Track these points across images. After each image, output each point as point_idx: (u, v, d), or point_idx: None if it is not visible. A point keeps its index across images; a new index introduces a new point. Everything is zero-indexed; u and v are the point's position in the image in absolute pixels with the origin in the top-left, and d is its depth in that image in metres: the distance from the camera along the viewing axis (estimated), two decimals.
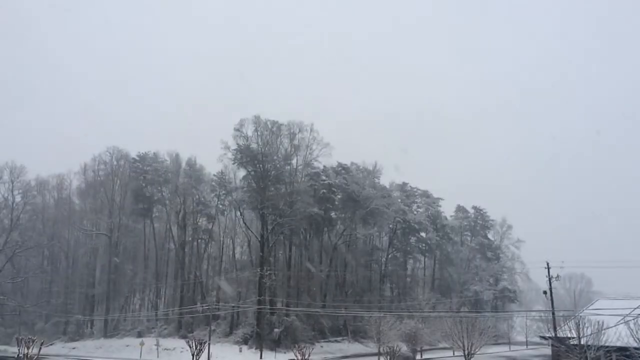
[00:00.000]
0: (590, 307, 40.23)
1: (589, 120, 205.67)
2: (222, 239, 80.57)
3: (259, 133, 70.14)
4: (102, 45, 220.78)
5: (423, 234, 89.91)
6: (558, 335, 36.38)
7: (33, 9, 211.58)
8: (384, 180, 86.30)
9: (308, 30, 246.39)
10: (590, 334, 31.10)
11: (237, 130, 69.34)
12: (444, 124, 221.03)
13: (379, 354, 51.17)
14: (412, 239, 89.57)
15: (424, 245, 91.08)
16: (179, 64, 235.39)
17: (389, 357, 46.46)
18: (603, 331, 31.23)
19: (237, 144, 69.39)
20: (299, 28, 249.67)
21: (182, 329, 69.66)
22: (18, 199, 76.72)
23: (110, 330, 74.55)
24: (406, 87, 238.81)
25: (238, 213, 77.06)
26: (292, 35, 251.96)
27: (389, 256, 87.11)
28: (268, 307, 64.39)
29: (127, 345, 66.22)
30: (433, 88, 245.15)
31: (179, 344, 61.14)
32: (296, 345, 48.41)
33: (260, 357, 57.16)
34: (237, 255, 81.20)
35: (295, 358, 45.08)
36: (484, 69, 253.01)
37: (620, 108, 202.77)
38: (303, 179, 75.49)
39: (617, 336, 31.12)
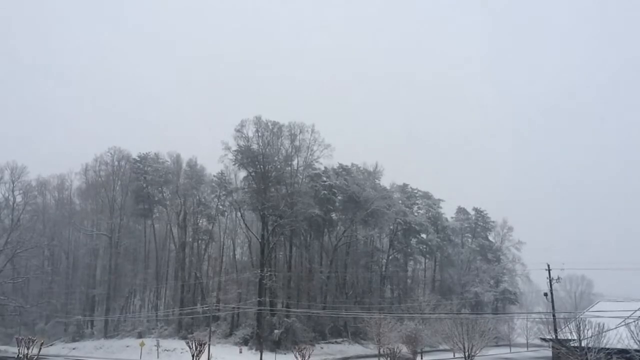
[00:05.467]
0: (591, 309, 40.15)
1: (591, 120, 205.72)
2: (222, 239, 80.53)
3: (259, 134, 70.11)
4: (104, 46, 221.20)
5: (424, 236, 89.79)
6: (559, 337, 36.28)
7: (35, 8, 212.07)
8: (385, 182, 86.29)
9: (310, 32, 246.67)
10: (591, 336, 30.98)
11: (237, 131, 69.37)
12: (445, 126, 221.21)
13: (379, 355, 51.08)
14: (413, 241, 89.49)
15: (424, 246, 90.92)
16: (181, 65, 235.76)
17: (389, 359, 46.36)
18: (604, 333, 31.12)
19: (238, 144, 69.46)
20: (301, 30, 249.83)
21: (183, 330, 69.55)
22: (19, 199, 76.88)
23: (110, 331, 74.50)
24: (407, 88, 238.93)
25: (238, 214, 77.01)
26: (294, 37, 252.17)
27: (390, 257, 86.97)
28: (268, 308, 64.35)
29: (128, 346, 66.22)
30: (434, 89, 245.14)
31: (179, 344, 61.02)
32: (296, 347, 48.40)
33: (260, 358, 56.98)
34: (238, 256, 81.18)
35: (296, 359, 45.04)
36: (485, 70, 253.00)
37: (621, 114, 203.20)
38: (304, 180, 75.36)
39: (618, 338, 31.03)
